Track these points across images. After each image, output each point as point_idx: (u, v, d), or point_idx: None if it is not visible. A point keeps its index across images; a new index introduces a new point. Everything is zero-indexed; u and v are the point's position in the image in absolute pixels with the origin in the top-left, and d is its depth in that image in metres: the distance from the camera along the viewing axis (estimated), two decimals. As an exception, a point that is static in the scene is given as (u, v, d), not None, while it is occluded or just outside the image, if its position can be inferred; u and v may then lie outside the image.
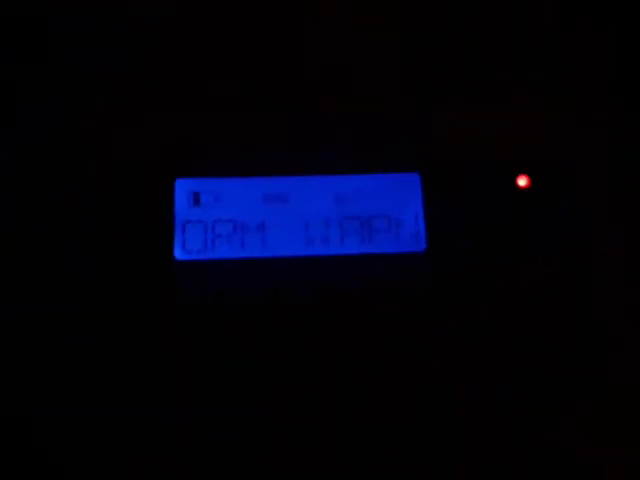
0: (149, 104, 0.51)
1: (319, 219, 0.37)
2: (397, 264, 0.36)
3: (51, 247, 0.43)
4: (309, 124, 0.40)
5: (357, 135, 0.39)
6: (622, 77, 0.54)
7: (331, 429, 0.40)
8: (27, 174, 0.50)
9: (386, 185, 0.37)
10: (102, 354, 0.41)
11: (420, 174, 0.37)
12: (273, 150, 0.38)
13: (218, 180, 0.37)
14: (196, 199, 0.37)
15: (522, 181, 0.40)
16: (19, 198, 0.48)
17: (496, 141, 0.41)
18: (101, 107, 0.52)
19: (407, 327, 0.39)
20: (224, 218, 0.36)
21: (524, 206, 0.39)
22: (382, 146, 0.38)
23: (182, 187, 0.37)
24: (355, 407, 0.40)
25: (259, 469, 0.41)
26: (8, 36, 0.53)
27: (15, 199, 0.49)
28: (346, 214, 0.37)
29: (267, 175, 0.36)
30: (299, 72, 0.45)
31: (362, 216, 0.37)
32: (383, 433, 0.41)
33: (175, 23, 0.54)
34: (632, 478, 0.45)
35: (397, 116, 0.40)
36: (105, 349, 0.41)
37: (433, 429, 0.41)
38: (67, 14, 0.53)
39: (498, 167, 0.38)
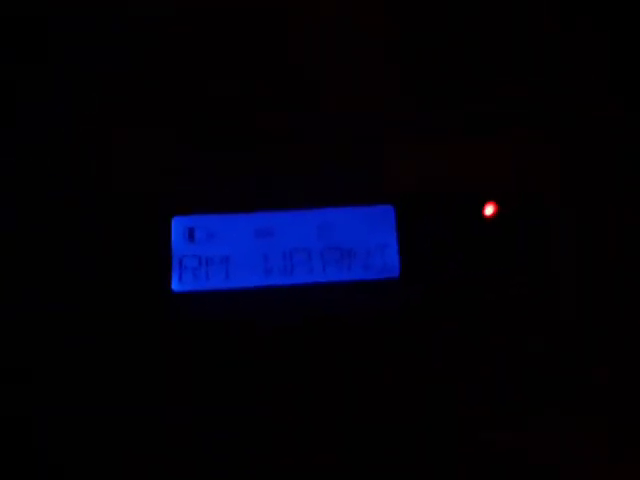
0: (149, 104, 0.51)
1: (303, 250, 0.40)
2: (374, 289, 0.40)
3: (52, 269, 0.43)
4: (295, 160, 0.42)
5: (339, 172, 0.42)
6: (622, 77, 0.54)
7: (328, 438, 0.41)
8: (27, 174, 0.50)
9: (364, 217, 0.41)
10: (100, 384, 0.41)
11: (394, 207, 0.41)
12: (260, 187, 0.41)
13: (210, 217, 0.40)
14: (191, 235, 0.40)
15: (489, 210, 0.42)
16: (19, 198, 0.49)
17: (464, 174, 0.43)
18: (101, 107, 0.52)
19: (384, 345, 0.41)
20: (216, 252, 0.40)
21: (491, 233, 0.42)
22: (360, 182, 0.41)
23: (178, 224, 0.40)
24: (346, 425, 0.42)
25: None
26: (8, 36, 0.53)
27: (15, 199, 0.49)
28: (327, 245, 0.40)
29: (255, 211, 0.40)
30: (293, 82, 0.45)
31: (342, 246, 0.41)
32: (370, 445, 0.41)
33: (175, 23, 0.54)
34: (632, 477, 0.45)
35: (370, 152, 0.43)
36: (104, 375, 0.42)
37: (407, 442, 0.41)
38: (67, 14, 0.53)
39: (465, 198, 0.42)
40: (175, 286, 0.41)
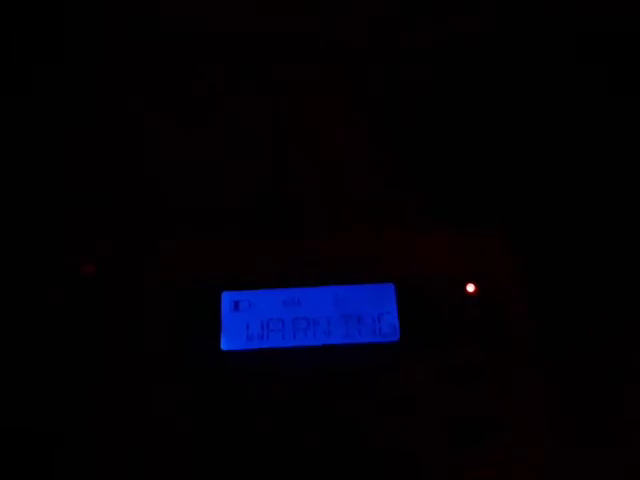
0: (150, 106, 0.51)
1: (323, 318, 0.52)
2: (379, 350, 0.51)
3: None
4: (317, 248, 0.53)
5: (351, 258, 0.53)
6: (622, 77, 0.54)
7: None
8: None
9: (371, 292, 0.53)
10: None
11: (394, 284, 0.52)
12: (288, 270, 0.52)
13: (251, 292, 0.52)
14: (236, 306, 0.52)
15: (470, 288, 0.52)
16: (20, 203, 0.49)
17: (452, 257, 0.53)
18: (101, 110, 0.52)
19: (385, 395, 0.50)
20: (256, 319, 0.52)
21: (472, 307, 0.52)
22: (368, 265, 0.52)
23: (227, 298, 0.52)
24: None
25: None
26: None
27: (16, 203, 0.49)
28: (342, 313, 0.52)
29: (284, 287, 0.53)
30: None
31: (354, 315, 0.52)
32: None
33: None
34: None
35: (376, 244, 0.53)
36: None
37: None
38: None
39: (451, 277, 0.52)
40: (224, 346, 0.51)
